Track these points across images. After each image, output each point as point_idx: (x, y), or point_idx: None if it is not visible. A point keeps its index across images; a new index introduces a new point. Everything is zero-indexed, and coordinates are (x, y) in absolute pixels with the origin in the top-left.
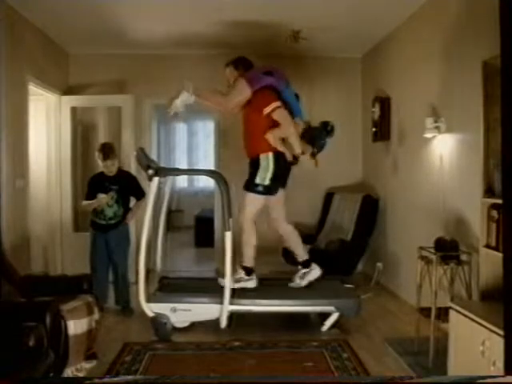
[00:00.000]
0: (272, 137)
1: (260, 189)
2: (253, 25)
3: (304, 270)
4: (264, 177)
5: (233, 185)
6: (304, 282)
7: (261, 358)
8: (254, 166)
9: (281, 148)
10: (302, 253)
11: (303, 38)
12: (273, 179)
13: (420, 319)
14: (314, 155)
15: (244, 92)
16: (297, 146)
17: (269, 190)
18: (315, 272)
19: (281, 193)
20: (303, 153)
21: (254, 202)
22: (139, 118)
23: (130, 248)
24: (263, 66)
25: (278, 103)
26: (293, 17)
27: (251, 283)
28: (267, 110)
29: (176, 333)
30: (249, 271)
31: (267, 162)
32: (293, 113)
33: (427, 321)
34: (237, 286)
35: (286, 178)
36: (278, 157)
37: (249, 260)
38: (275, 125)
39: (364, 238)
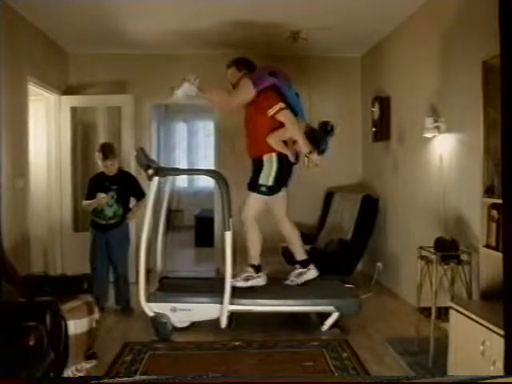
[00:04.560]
0: (273, 141)
1: (263, 189)
2: (253, 25)
3: (301, 270)
4: (267, 177)
5: (233, 185)
6: (299, 281)
7: (261, 357)
8: (257, 166)
9: (283, 150)
10: (301, 252)
11: (303, 37)
12: (276, 180)
13: (420, 319)
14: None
15: (248, 92)
16: (304, 145)
17: (271, 191)
18: (312, 273)
19: (283, 191)
20: (310, 152)
21: (255, 202)
22: (139, 118)
23: (130, 248)
24: (267, 66)
25: (282, 104)
26: (293, 17)
27: (260, 280)
28: (272, 111)
29: (176, 333)
30: (257, 269)
31: (271, 163)
32: (295, 114)
33: (427, 321)
34: (248, 284)
35: (288, 178)
36: (281, 158)
37: (255, 258)
38: (278, 126)
39: (364, 237)
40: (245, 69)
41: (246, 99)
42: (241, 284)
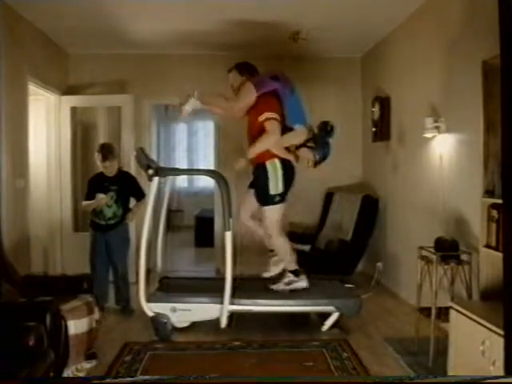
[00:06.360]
0: (275, 147)
1: (277, 199)
2: (253, 25)
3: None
4: (276, 185)
5: (233, 185)
6: (287, 288)
7: (261, 357)
8: (260, 172)
9: (285, 156)
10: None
11: (303, 38)
12: (284, 184)
13: (420, 319)
14: (315, 164)
15: (251, 95)
16: (252, 152)
17: (284, 196)
18: (302, 283)
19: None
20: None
21: (274, 213)
22: (139, 118)
23: (130, 248)
24: (270, 71)
25: (272, 114)
26: (293, 17)
27: (302, 283)
28: (261, 118)
29: (176, 333)
30: (296, 273)
31: (275, 169)
32: (290, 120)
33: (427, 321)
34: (290, 287)
35: (291, 182)
36: (284, 163)
37: (291, 263)
38: (283, 133)
39: (364, 238)
40: (247, 73)
41: (248, 103)
42: (283, 287)
